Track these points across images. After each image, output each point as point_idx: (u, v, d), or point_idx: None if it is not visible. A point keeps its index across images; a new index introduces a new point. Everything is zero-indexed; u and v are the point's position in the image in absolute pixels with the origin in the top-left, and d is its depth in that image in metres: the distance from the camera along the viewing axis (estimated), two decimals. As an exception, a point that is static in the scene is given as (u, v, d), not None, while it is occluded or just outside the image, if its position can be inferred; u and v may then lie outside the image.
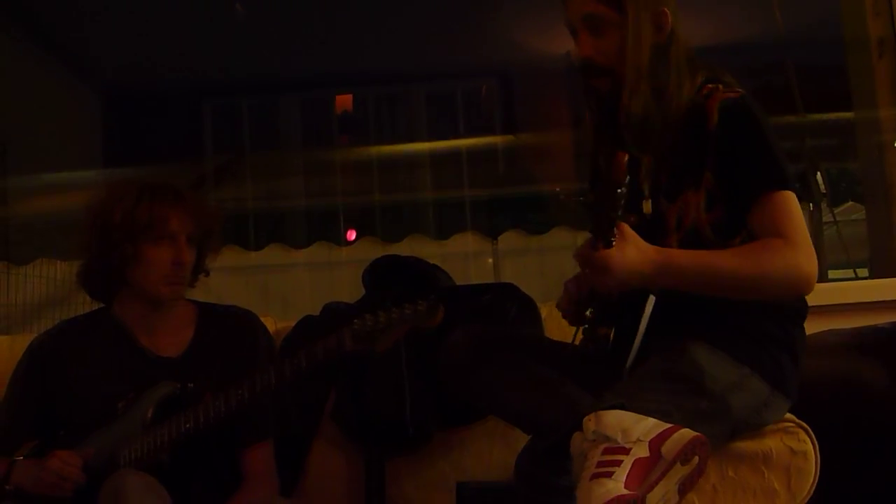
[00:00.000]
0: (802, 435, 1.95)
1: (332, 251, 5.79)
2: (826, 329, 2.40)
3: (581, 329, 1.98)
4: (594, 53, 1.90)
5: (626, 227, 1.75)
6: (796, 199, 1.80)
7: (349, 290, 2.53)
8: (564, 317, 2.06)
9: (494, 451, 2.36)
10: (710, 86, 1.89)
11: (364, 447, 2.42)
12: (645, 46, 1.88)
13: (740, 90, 1.88)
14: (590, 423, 1.64)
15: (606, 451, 1.58)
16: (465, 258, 5.54)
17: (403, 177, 7.15)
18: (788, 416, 1.95)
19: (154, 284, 2.20)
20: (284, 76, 7.32)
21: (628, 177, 1.69)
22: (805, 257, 1.75)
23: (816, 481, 1.95)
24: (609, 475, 1.54)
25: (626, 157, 1.68)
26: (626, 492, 1.52)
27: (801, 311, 1.94)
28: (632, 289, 1.80)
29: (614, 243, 1.73)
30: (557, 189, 6.77)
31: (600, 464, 1.57)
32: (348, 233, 6.84)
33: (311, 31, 6.45)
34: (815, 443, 1.95)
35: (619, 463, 1.56)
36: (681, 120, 1.89)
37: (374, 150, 7.43)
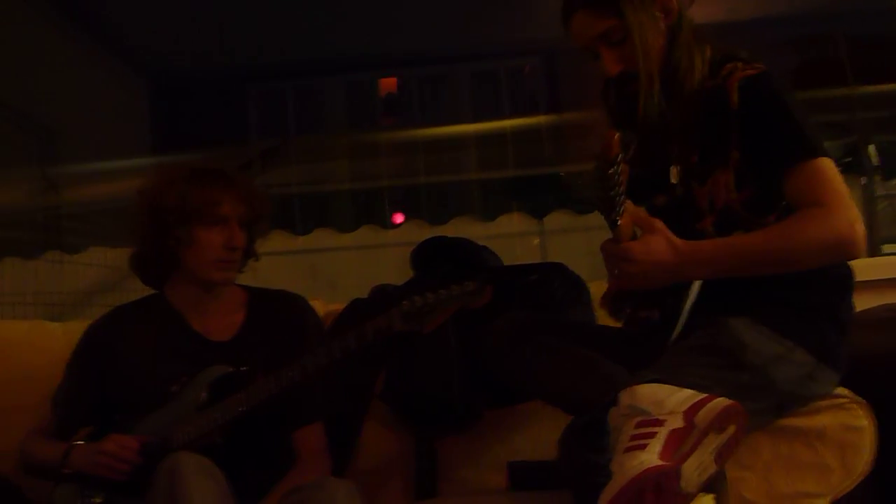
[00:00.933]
0: (857, 410, 1.92)
1: (378, 234, 5.80)
2: (880, 304, 2.36)
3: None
4: (623, 64, 1.92)
5: (659, 222, 1.77)
6: (831, 164, 1.78)
7: (396, 272, 2.53)
8: (603, 306, 2.06)
9: (544, 430, 2.35)
10: (729, 65, 1.88)
11: (414, 427, 2.44)
12: (653, 49, 1.90)
13: (760, 66, 1.87)
14: (624, 397, 1.64)
15: (640, 424, 1.58)
16: (512, 239, 5.52)
17: (448, 158, 7.12)
18: (843, 391, 1.91)
19: (206, 268, 2.22)
20: (328, 59, 7.34)
21: (621, 155, 1.67)
22: (844, 220, 1.73)
23: (873, 456, 1.93)
24: (643, 447, 1.54)
25: (618, 136, 1.66)
26: (660, 463, 1.52)
27: (846, 280, 1.91)
28: (663, 284, 1.81)
29: (619, 222, 1.75)
30: (561, 174, 6.79)
31: (634, 437, 1.57)
32: (394, 216, 6.85)
33: (355, 14, 6.46)
34: (872, 418, 1.93)
35: (653, 435, 1.55)
36: (702, 101, 1.89)
37: (419, 132, 7.42)
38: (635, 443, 1.56)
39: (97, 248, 4.67)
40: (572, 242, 5.29)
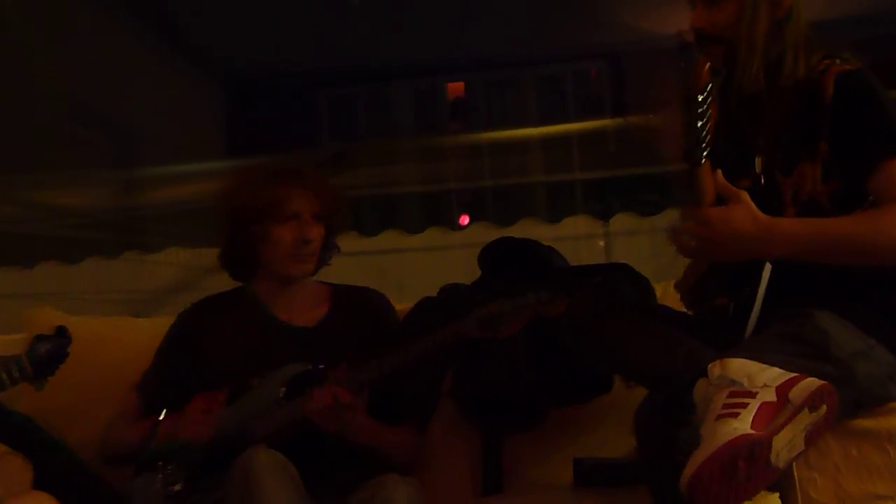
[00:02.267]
0: (932, 412, 1.90)
1: (445, 235, 5.82)
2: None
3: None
4: (706, 25, 1.92)
5: (744, 193, 1.74)
6: None
7: (463, 273, 2.55)
8: (682, 299, 2.07)
9: (611, 429, 2.36)
10: (826, 61, 1.87)
11: (481, 425, 2.45)
12: (761, 22, 1.88)
13: (857, 63, 1.86)
14: (715, 368, 1.63)
15: (732, 395, 1.57)
16: (577, 241, 5.50)
17: (514, 161, 7.12)
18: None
19: (282, 262, 2.28)
20: (397, 65, 7.39)
21: (711, 85, 1.68)
22: None
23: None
24: (735, 416, 1.53)
25: (708, 65, 1.67)
26: (751, 432, 1.51)
27: None
28: (738, 257, 1.79)
29: (704, 162, 1.73)
30: (623, 118, 6.73)
31: (726, 406, 1.56)
32: (461, 217, 6.86)
33: (422, 20, 6.49)
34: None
35: (745, 405, 1.54)
36: (795, 94, 1.88)
37: (486, 136, 7.43)
38: (728, 411, 1.55)
39: (174, 248, 4.75)
40: (637, 245, 5.25)
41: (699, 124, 1.70)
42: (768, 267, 1.83)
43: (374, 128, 7.94)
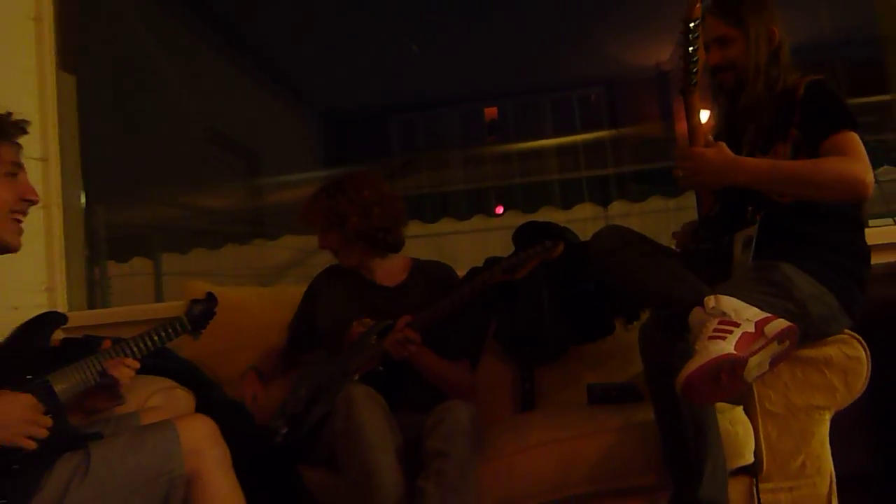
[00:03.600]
0: (856, 345, 1.87)
1: (486, 221, 5.78)
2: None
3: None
4: (721, 60, 1.94)
5: (722, 144, 1.79)
6: (860, 139, 1.76)
7: (500, 248, 2.54)
8: (676, 245, 2.11)
9: (616, 362, 2.35)
10: (802, 77, 1.91)
11: (518, 360, 2.46)
12: (762, 53, 1.91)
13: (821, 75, 1.90)
14: (710, 301, 1.63)
15: (722, 323, 1.58)
16: (584, 222, 5.44)
17: (536, 164, 7.08)
18: (846, 331, 1.87)
19: None
20: (446, 95, 7.39)
21: (699, 20, 1.72)
22: (861, 166, 1.71)
23: (868, 380, 1.88)
24: (723, 338, 1.54)
25: (699, 4, 1.71)
26: (734, 352, 1.53)
27: (869, 255, 1.88)
28: (715, 183, 1.82)
29: (695, 81, 1.79)
30: (616, 130, 6.71)
31: (716, 330, 1.57)
32: (497, 207, 6.83)
33: (465, 61, 6.47)
34: (867, 350, 1.87)
35: (731, 332, 1.55)
36: (777, 97, 1.90)
37: (514, 146, 7.40)
38: (717, 334, 1.56)
39: (288, 235, 4.78)
40: (630, 224, 5.17)
41: (691, 49, 1.74)
42: (741, 234, 1.82)
43: (430, 142, 7.93)
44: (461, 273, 2.49)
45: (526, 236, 2.52)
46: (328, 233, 2.31)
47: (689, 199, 2.18)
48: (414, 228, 2.52)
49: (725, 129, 1.98)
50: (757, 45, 1.91)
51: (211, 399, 2.16)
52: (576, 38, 6.28)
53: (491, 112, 7.96)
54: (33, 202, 1.66)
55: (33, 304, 2.80)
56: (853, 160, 1.72)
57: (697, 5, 1.71)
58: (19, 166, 1.64)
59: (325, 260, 2.49)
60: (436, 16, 5.94)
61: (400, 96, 7.24)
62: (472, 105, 7.82)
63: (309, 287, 2.47)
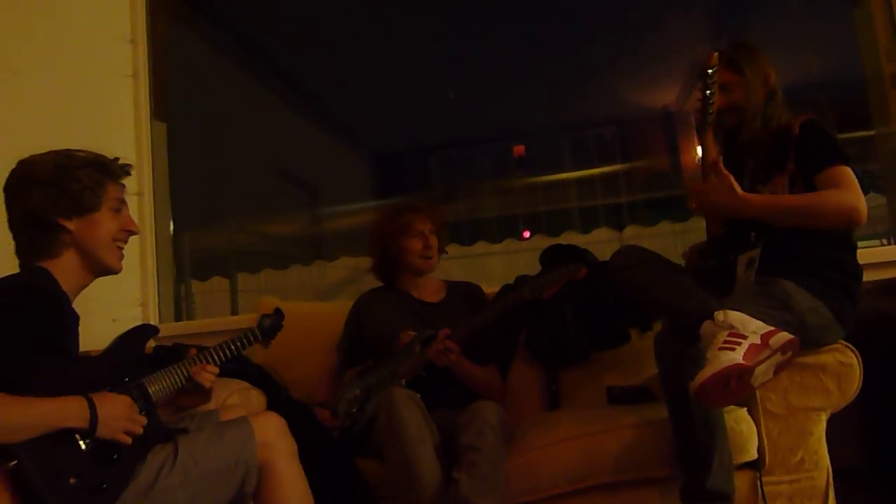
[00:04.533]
0: (849, 353, 1.82)
1: (515, 244, 5.77)
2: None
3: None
4: (725, 103, 1.90)
5: (729, 174, 1.76)
6: (852, 172, 1.73)
7: (528, 268, 2.53)
8: (686, 263, 2.06)
9: (633, 366, 2.31)
10: (796, 116, 1.88)
11: (545, 364, 2.43)
12: (759, 96, 1.88)
13: (814, 115, 1.86)
14: (720, 315, 1.61)
15: (731, 335, 1.55)
16: (601, 244, 5.39)
17: (558, 194, 7.06)
18: (841, 340, 1.83)
19: (416, 262, 2.31)
20: (479, 135, 7.44)
21: (717, 67, 1.70)
22: (855, 196, 1.68)
23: (861, 384, 1.83)
24: (732, 349, 1.52)
25: (715, 55, 1.69)
26: (743, 362, 1.51)
27: (860, 272, 1.84)
28: (723, 214, 1.81)
29: (709, 125, 1.77)
30: (628, 164, 6.62)
31: (726, 342, 1.54)
32: (525, 232, 6.81)
33: (495, 106, 6.51)
34: (860, 358, 1.82)
35: (739, 343, 1.53)
36: (776, 135, 1.87)
37: (539, 179, 7.39)
38: (727, 345, 1.53)
39: (345, 257, 4.81)
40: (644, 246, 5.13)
41: (708, 93, 1.72)
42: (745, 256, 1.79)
43: (466, 176, 7.98)
44: (493, 289, 2.49)
45: (552, 257, 2.51)
46: (438, 236, 2.34)
47: (695, 224, 2.16)
48: (453, 250, 2.52)
49: (726, 162, 1.95)
50: (755, 89, 1.88)
51: (279, 399, 2.18)
52: (592, 84, 6.29)
53: (519, 149, 7.97)
54: (133, 233, 1.69)
55: (129, 317, 2.85)
56: (847, 191, 1.69)
57: (714, 54, 1.70)
58: (123, 202, 1.67)
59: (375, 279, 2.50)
60: (469, 67, 5.99)
61: (439, 136, 7.31)
62: (502, 143, 7.84)
63: (351, 311, 2.44)
